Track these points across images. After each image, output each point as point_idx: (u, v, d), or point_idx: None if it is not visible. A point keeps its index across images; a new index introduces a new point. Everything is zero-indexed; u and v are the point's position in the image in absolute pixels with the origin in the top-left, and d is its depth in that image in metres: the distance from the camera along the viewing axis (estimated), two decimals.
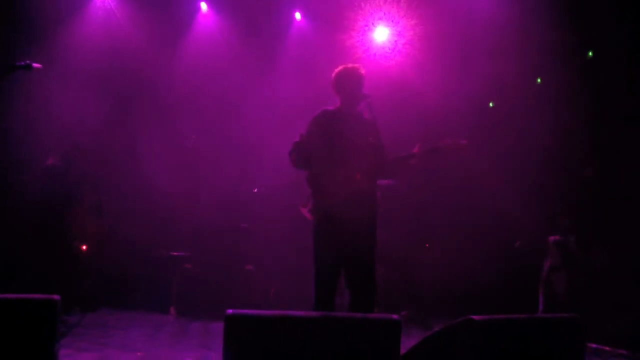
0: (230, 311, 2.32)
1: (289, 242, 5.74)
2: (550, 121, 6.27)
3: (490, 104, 7.29)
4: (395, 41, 6.90)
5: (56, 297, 2.51)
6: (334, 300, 3.35)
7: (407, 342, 2.64)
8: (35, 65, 2.95)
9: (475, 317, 2.52)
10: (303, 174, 3.54)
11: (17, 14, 6.08)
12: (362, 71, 3.53)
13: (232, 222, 6.04)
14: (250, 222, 6.13)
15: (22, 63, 2.97)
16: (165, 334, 4.78)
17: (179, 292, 5.68)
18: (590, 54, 6.88)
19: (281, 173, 6.06)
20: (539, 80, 7.09)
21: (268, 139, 6.44)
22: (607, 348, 4.52)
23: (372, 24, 6.85)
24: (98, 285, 5.76)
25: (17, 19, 6.09)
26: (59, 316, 2.50)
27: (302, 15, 7.31)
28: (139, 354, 3.97)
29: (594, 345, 4.51)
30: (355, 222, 3.31)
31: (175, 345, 4.37)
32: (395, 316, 2.48)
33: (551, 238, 5.07)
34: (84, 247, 5.71)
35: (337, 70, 3.56)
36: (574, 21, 6.32)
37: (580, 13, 6.24)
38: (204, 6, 7.15)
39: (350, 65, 3.57)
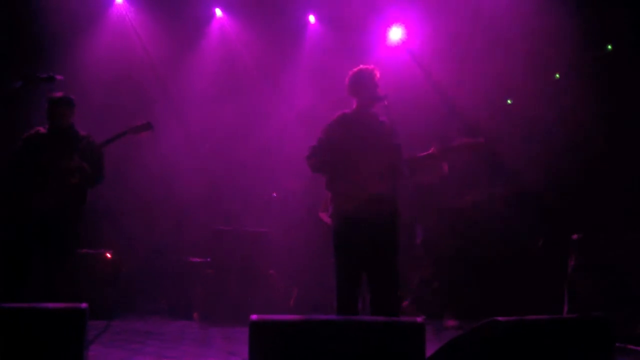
0: (254, 317, 2.33)
1: (310, 245, 5.74)
2: (569, 116, 6.20)
3: (509, 101, 7.23)
4: (411, 42, 6.88)
5: (84, 305, 2.55)
6: (357, 304, 3.35)
7: (428, 345, 2.62)
8: (58, 77, 2.99)
9: (500, 318, 2.49)
10: (321, 178, 3.55)
11: (36, 26, 6.19)
12: (377, 72, 3.52)
13: (252, 227, 6.07)
14: (271, 226, 6.15)
15: (45, 75, 3.01)
16: (189, 339, 4.81)
17: (201, 297, 5.73)
18: (610, 47, 6.78)
19: (300, 176, 6.09)
20: (557, 75, 7.01)
21: (286, 142, 6.46)
22: (638, 347, 4.44)
23: (387, 25, 6.84)
24: (122, 292, 5.84)
25: (36, 31, 6.20)
26: (86, 324, 2.54)
27: (316, 18, 7.33)
28: None
29: (622, 345, 4.43)
30: (376, 224, 3.30)
31: (199, 351, 4.39)
32: (419, 319, 2.47)
33: (574, 236, 4.99)
34: (109, 255, 5.79)
35: (351, 72, 3.55)
36: (592, 15, 6.24)
37: (598, 6, 6.16)
38: (218, 12, 7.21)
39: (364, 66, 3.56)
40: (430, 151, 3.46)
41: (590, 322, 2.85)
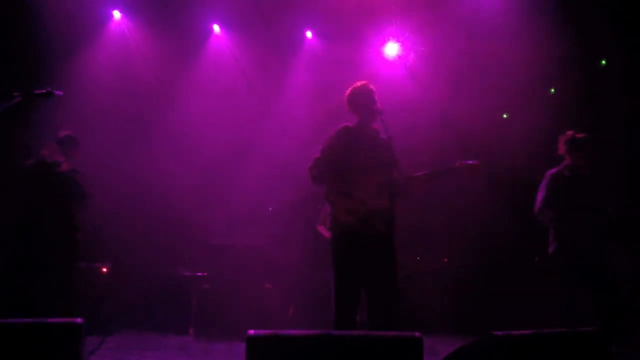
0: (252, 332, 2.32)
1: (307, 259, 5.73)
2: (564, 130, 6.23)
3: (504, 115, 7.28)
4: (407, 57, 6.94)
5: (79, 320, 2.53)
6: (355, 318, 3.33)
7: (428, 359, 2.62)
8: (57, 92, 3.00)
9: (497, 332, 2.49)
10: (319, 191, 3.55)
11: (34, 41, 6.22)
12: (371, 86, 3.58)
13: (249, 241, 6.05)
14: (268, 240, 6.14)
15: (43, 91, 3.02)
16: (184, 355, 4.77)
17: (197, 312, 5.69)
18: (604, 62, 6.87)
19: (298, 190, 6.11)
20: (552, 90, 7.08)
21: (283, 157, 6.48)
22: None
23: (383, 40, 6.90)
24: (117, 307, 5.80)
25: (34, 47, 6.24)
26: (82, 339, 2.52)
27: (313, 34, 7.40)
28: None
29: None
30: (374, 237, 3.31)
31: None
32: (417, 333, 2.46)
33: None
34: (104, 269, 5.76)
35: (347, 92, 3.63)
36: (585, 30, 6.32)
37: (590, 22, 6.25)
38: (216, 28, 7.27)
39: (358, 83, 3.63)
40: (429, 171, 3.49)
41: (587, 336, 2.85)
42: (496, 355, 2.48)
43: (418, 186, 3.46)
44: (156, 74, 6.99)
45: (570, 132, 4.44)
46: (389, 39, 7.05)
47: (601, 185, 4.53)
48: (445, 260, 6.52)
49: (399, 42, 7.00)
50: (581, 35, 6.34)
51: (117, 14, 6.94)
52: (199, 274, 5.98)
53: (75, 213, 4.88)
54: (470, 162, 3.48)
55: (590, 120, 6.10)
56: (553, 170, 4.50)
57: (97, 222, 6.26)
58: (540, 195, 4.48)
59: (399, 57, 7.08)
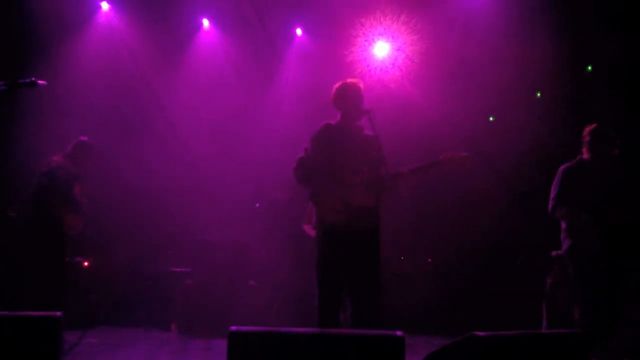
0: (234, 328, 2.31)
1: (291, 257, 5.72)
2: (550, 135, 6.30)
3: (491, 118, 7.32)
4: (396, 56, 6.95)
5: (58, 314, 2.50)
6: (338, 316, 3.33)
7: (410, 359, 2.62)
8: (40, 82, 2.96)
9: (479, 333, 2.50)
10: (305, 189, 3.54)
11: (20, 30, 6.15)
12: (361, 85, 3.56)
13: (233, 238, 6.03)
14: (252, 237, 6.12)
15: (27, 80, 2.98)
16: (166, 351, 4.75)
17: (180, 308, 5.66)
18: (590, 68, 6.93)
19: (284, 188, 6.09)
20: (538, 94, 7.13)
21: (270, 154, 6.46)
22: None
23: (373, 39, 6.90)
24: (99, 302, 5.74)
25: (20, 36, 6.16)
26: (61, 333, 2.49)
27: (303, 32, 7.38)
28: None
29: None
30: (359, 236, 3.30)
31: None
32: (399, 332, 2.46)
33: (554, 253, 5.04)
34: (86, 264, 5.70)
35: (336, 85, 3.58)
36: (572, 35, 6.38)
37: (579, 27, 6.30)
38: (206, 23, 7.22)
39: (349, 80, 3.59)
40: (419, 165, 3.47)
41: (568, 338, 2.88)
42: (477, 355, 2.49)
43: (404, 181, 3.44)
44: (144, 67, 6.93)
45: (595, 125, 4.17)
46: (379, 39, 7.06)
47: (622, 180, 4.19)
48: (429, 260, 6.55)
49: (389, 41, 7.01)
50: (570, 40, 6.40)
51: (105, 5, 6.86)
52: (182, 269, 5.94)
53: (53, 207, 4.69)
54: (457, 154, 3.43)
55: (579, 124, 6.17)
56: (566, 165, 4.26)
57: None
58: (552, 192, 4.21)
59: (389, 56, 7.08)
